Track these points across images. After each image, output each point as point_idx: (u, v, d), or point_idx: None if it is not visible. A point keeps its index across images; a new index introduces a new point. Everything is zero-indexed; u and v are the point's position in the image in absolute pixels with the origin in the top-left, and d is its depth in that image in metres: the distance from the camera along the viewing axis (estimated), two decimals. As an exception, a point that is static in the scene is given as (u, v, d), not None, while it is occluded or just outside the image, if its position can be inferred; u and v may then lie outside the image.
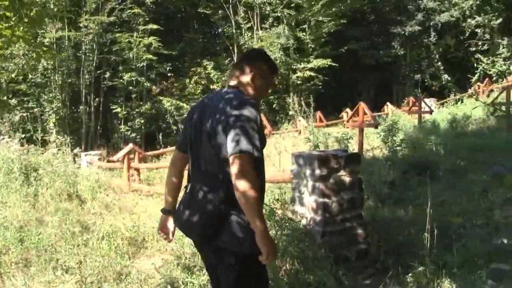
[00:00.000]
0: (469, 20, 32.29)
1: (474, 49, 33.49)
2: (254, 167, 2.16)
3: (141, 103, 26.08)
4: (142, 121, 25.40)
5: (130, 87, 25.59)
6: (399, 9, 35.52)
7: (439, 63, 33.68)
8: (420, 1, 34.59)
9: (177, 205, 2.57)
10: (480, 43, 32.87)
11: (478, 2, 31.34)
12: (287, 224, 4.13)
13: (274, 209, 4.36)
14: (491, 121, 11.90)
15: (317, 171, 4.32)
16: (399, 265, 3.92)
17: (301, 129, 19.10)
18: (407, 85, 36.71)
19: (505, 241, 2.64)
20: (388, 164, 7.12)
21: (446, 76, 32.10)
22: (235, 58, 27.87)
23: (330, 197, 4.32)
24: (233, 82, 2.49)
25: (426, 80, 33.89)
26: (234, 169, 2.13)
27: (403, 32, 34.08)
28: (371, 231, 4.45)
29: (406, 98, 26.47)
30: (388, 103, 23.45)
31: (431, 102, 22.49)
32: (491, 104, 9.20)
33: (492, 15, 30.93)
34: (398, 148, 8.43)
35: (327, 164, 4.35)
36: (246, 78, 2.46)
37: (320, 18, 27.44)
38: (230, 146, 2.16)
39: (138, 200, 8.21)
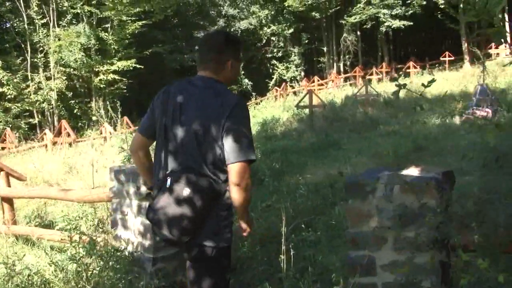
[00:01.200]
0: (265, 28, 34.57)
1: (270, 55, 36.09)
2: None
3: None
4: None
5: None
6: (202, 14, 36.24)
7: (240, 68, 35.27)
8: (221, 8, 35.83)
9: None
10: (275, 50, 35.54)
11: (272, 13, 33.74)
12: (112, 253, 3.47)
13: (95, 238, 3.64)
14: (297, 124, 12.72)
15: (143, 188, 3.75)
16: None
17: (106, 136, 18.03)
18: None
19: (362, 252, 2.46)
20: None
21: (246, 80, 33.77)
22: (28, 58, 24.99)
23: (160, 217, 3.79)
24: (206, 73, 2.34)
25: (228, 84, 35.09)
26: (234, 177, 2.18)
27: (206, 37, 34.86)
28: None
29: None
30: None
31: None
32: (296, 106, 9.76)
33: (285, 25, 33.62)
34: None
35: (154, 180, 3.81)
36: (222, 67, 2.35)
37: (124, 18, 26.34)
38: (231, 151, 2.17)
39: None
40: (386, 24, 28.34)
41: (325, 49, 34.19)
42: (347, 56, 34.05)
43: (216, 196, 2.24)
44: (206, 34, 2.69)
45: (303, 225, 4.56)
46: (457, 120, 12.90)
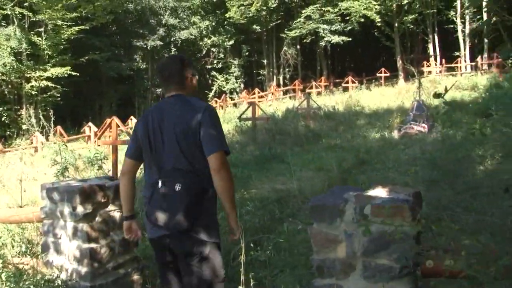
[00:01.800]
0: (205, 39, 34.38)
1: (210, 66, 35.90)
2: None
3: None
4: None
5: None
6: (141, 22, 35.52)
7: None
8: (161, 17, 35.30)
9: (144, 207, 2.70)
10: (215, 61, 35.39)
11: (213, 24, 33.62)
12: (41, 284, 3.07)
13: (22, 265, 3.22)
14: (239, 136, 12.54)
15: (80, 209, 3.40)
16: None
17: (38, 146, 17.08)
18: (149, 98, 36.95)
19: (328, 281, 2.28)
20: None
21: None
22: None
23: (98, 241, 3.44)
24: (175, 92, 2.69)
25: (168, 95, 34.58)
26: (215, 165, 2.47)
27: (145, 46, 34.16)
28: (150, 275, 3.72)
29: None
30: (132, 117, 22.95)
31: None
32: (239, 118, 9.59)
33: (226, 37, 33.58)
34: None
35: (93, 199, 3.47)
36: (184, 84, 2.71)
37: (59, 22, 25.22)
38: (209, 145, 2.49)
39: None
40: (325, 39, 28.91)
41: (265, 61, 34.44)
42: (287, 69, 34.47)
43: (205, 191, 2.51)
44: (163, 64, 2.85)
45: (251, 244, 4.35)
46: (395, 134, 13.20)
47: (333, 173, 8.14)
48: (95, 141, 15.43)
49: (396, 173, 8.46)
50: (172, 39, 35.70)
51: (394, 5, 27.12)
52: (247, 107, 12.50)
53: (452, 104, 15.90)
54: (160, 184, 2.52)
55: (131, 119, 22.39)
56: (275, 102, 24.78)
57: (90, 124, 20.58)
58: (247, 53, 35.20)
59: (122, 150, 10.39)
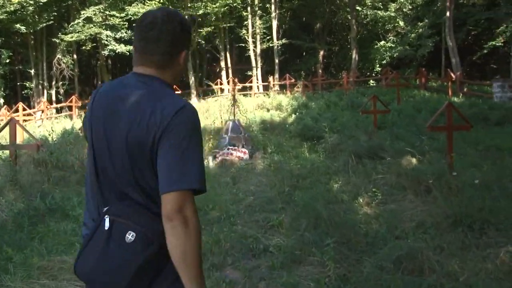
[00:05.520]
0: None
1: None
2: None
3: None
4: None
5: None
6: None
7: None
8: None
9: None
10: None
11: None
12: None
13: None
14: None
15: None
16: None
17: None
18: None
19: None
20: None
21: None
22: None
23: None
24: (147, 70, 1.68)
25: None
26: (167, 210, 1.50)
27: None
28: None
29: None
30: None
31: None
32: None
33: None
34: None
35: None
36: (172, 62, 1.71)
37: None
38: (164, 176, 1.52)
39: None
40: (109, 47, 24.44)
41: (32, 71, 27.78)
42: (61, 82, 28.84)
43: (163, 241, 1.53)
44: (154, 16, 1.66)
45: None
46: (211, 162, 10.52)
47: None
48: None
49: (253, 229, 5.70)
50: None
51: (187, 16, 24.86)
52: (2, 126, 8.08)
53: (266, 125, 14.08)
54: (106, 223, 1.57)
55: None
56: (47, 122, 19.62)
57: None
58: (8, 60, 28.40)
59: None
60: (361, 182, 7.50)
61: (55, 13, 25.04)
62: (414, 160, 8.12)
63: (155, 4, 23.50)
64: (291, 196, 7.10)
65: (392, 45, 27.55)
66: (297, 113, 15.12)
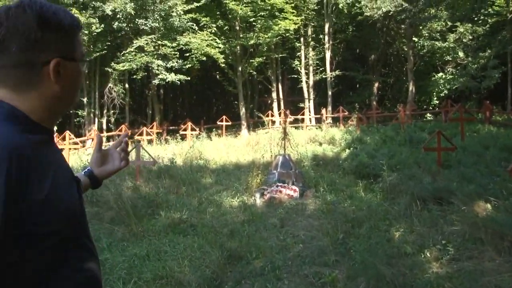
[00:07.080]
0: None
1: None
2: None
3: None
4: None
5: None
6: None
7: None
8: None
9: None
10: None
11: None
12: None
13: None
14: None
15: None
16: None
17: None
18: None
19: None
20: None
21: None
22: None
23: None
24: None
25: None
26: None
27: None
28: None
29: None
30: None
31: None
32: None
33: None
34: None
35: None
36: (32, 79, 1.16)
37: None
38: None
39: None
40: (159, 76, 24.42)
41: (85, 100, 28.00)
42: (111, 111, 29.05)
43: None
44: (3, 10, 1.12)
45: None
46: (258, 200, 9.74)
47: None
48: None
49: (301, 286, 4.89)
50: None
51: (238, 46, 24.61)
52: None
53: (318, 160, 13.20)
54: None
55: None
56: (96, 151, 19.66)
57: None
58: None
59: None
60: (427, 231, 6.52)
61: (109, 43, 25.31)
62: (489, 206, 7.05)
63: (206, 34, 23.37)
64: (345, 246, 6.22)
65: (451, 76, 26.13)
66: (351, 148, 14.16)
